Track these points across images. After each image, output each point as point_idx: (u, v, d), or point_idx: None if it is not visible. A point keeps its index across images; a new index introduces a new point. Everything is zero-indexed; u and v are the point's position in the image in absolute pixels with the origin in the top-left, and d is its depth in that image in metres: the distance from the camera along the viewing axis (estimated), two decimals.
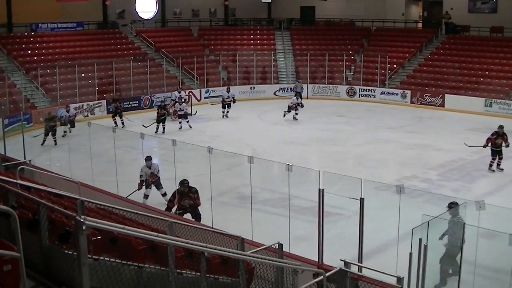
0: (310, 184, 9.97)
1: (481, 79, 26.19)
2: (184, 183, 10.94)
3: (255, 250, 6.73)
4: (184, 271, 5.10)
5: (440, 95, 26.04)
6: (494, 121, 22.36)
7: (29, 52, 25.85)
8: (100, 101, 24.44)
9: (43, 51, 26.28)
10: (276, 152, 17.51)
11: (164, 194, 12.50)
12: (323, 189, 8.00)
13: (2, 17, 25.74)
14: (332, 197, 8.71)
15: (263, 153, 16.92)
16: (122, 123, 21.65)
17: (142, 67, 26.91)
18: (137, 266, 4.57)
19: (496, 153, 15.52)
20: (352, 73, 29.75)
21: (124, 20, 30.26)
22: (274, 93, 29.02)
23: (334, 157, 17.61)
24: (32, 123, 21.23)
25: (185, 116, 21.82)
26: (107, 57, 26.57)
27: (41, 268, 4.50)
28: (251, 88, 28.94)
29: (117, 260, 4.40)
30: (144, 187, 12.66)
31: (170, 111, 22.64)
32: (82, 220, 3.55)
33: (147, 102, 25.75)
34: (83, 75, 25.51)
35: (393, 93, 27.65)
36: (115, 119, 21.74)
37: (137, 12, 31.40)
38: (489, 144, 15.56)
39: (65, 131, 20.10)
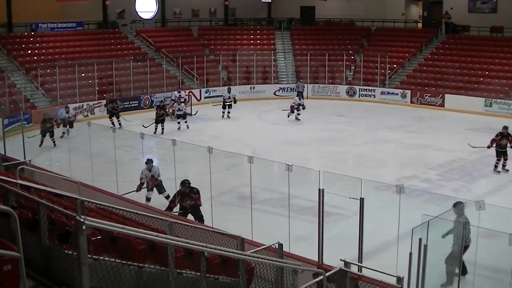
0: (310, 184, 9.97)
1: (481, 79, 26.19)
2: (185, 183, 10.88)
3: (255, 250, 6.73)
4: (184, 271, 5.10)
5: (440, 95, 26.04)
6: (494, 121, 22.40)
7: (29, 52, 25.84)
8: (100, 101, 24.43)
9: (43, 51, 26.27)
10: (276, 152, 17.51)
11: (167, 197, 12.28)
12: (323, 189, 8.00)
13: (2, 17, 25.73)
14: (332, 197, 8.71)
15: (263, 153, 16.92)
16: (119, 123, 21.54)
17: (142, 67, 26.90)
18: (137, 266, 4.57)
19: (501, 154, 15.36)
20: (352, 73, 29.75)
21: (124, 20, 30.25)
22: (274, 93, 29.02)
23: (334, 157, 17.61)
24: (32, 123, 21.21)
25: (183, 116, 21.77)
26: (107, 57, 26.56)
27: (41, 268, 4.50)
28: (251, 88, 28.94)
29: (117, 260, 4.40)
30: (146, 189, 12.57)
31: (169, 111, 22.57)
32: (82, 220, 3.55)
33: (147, 102, 25.75)
34: (83, 75, 25.51)
35: (393, 93, 27.65)
36: (112, 120, 21.68)
37: (137, 12, 31.39)
38: (494, 145, 15.43)
39: (63, 132, 19.93)
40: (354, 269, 6.25)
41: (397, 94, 27.47)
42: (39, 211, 4.50)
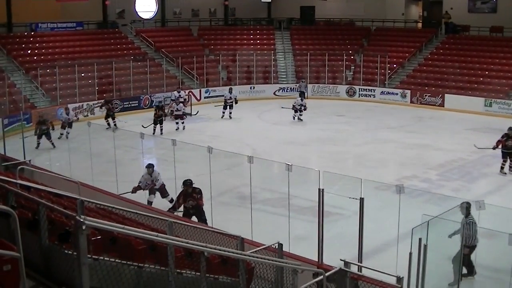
0: (310, 184, 9.97)
1: (481, 79, 26.20)
2: (187, 183, 10.72)
3: (255, 250, 6.72)
4: (184, 271, 5.10)
5: (440, 95, 26.04)
6: (494, 121, 22.43)
7: (29, 52, 25.84)
8: (100, 101, 24.36)
9: (43, 51, 26.27)
10: (276, 152, 17.51)
11: (171, 201, 11.95)
12: (323, 189, 8.00)
13: (2, 17, 25.73)
14: (332, 197, 8.71)
15: (263, 153, 16.92)
16: (115, 124, 21.26)
17: (142, 67, 26.90)
18: (137, 266, 4.57)
19: (507, 155, 15.24)
20: (352, 73, 29.75)
21: (124, 20, 30.26)
22: (274, 93, 29.02)
23: (334, 157, 17.61)
24: (32, 123, 21.14)
25: (181, 116, 21.68)
26: (107, 57, 26.56)
27: (41, 268, 4.50)
28: (251, 88, 28.94)
29: (117, 260, 4.40)
30: (146, 192, 12.45)
31: (168, 111, 22.49)
32: (82, 220, 3.55)
33: (147, 102, 25.74)
34: (83, 75, 25.51)
35: (393, 93, 27.65)
36: (107, 121, 21.60)
37: (137, 12, 31.39)
38: (500, 146, 15.34)
39: (61, 133, 19.74)
40: (354, 269, 6.25)
41: (397, 94, 27.48)
42: (39, 211, 4.50)
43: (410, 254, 6.94)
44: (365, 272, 6.42)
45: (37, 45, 26.60)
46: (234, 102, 23.71)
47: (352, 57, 30.32)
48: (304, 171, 11.40)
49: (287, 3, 34.88)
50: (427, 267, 6.99)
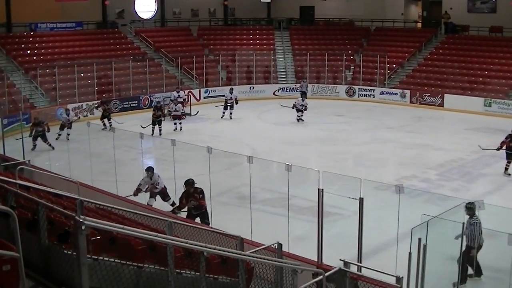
0: (310, 184, 9.98)
1: (481, 79, 26.21)
2: (189, 182, 10.59)
3: (254, 250, 6.71)
4: (184, 271, 5.10)
5: (440, 95, 26.04)
6: (493, 121, 22.46)
7: (29, 52, 25.83)
8: (99, 101, 24.39)
9: (43, 51, 26.27)
10: (275, 152, 17.51)
11: (173, 204, 11.87)
12: (322, 189, 8.00)
13: (2, 16, 25.72)
14: (331, 197, 8.70)
15: (262, 153, 16.92)
16: (110, 125, 21.07)
17: (141, 67, 26.89)
18: (136, 266, 4.57)
19: (511, 156, 15.19)
20: (351, 73, 29.76)
21: (124, 20, 30.26)
22: (274, 93, 29.01)
23: (334, 157, 17.61)
24: (31, 123, 21.14)
25: (179, 117, 21.58)
26: (107, 57, 26.56)
27: (40, 268, 4.50)
28: (250, 88, 28.94)
29: (116, 260, 4.40)
30: (147, 195, 12.39)
31: (165, 111, 22.43)
32: (81, 220, 3.55)
33: (147, 102, 25.73)
34: (82, 75, 25.50)
35: (392, 93, 27.65)
36: (103, 121, 21.56)
37: (136, 12, 31.39)
38: (504, 147, 15.27)
39: (59, 134, 19.59)
40: (353, 269, 6.25)
41: (396, 94, 27.48)
42: (39, 211, 4.50)
43: (410, 254, 6.94)
44: (364, 272, 6.42)
45: (36, 45, 26.59)
46: (234, 103, 23.67)
47: (351, 57, 30.32)
48: (303, 171, 11.41)
49: (287, 3, 34.89)
50: (426, 267, 6.99)
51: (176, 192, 11.66)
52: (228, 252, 5.43)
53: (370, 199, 8.50)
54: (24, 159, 12.92)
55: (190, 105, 24.71)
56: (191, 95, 26.65)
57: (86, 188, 11.23)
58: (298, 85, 28.37)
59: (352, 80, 29.37)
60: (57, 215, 4.83)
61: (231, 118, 23.54)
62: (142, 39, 29.55)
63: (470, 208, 8.64)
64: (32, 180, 9.33)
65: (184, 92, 25.49)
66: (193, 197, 10.58)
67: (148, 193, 12.28)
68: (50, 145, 18.29)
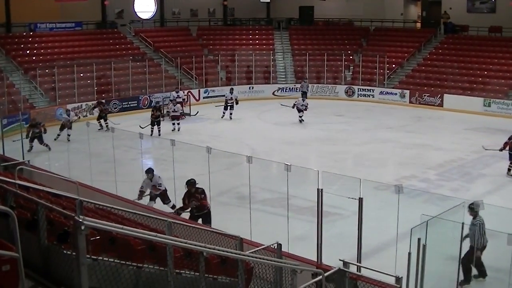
0: (309, 184, 9.98)
1: (480, 79, 26.22)
2: (190, 182, 10.53)
3: (254, 250, 6.71)
4: (183, 271, 5.10)
5: (439, 95, 26.05)
6: (493, 121, 22.47)
7: (28, 52, 25.82)
8: (96, 101, 24.38)
9: (42, 51, 26.26)
10: (275, 152, 17.52)
11: (173, 207, 11.73)
12: (322, 189, 7.99)
13: (1, 16, 25.71)
14: (331, 197, 8.70)
15: (262, 153, 16.92)
16: (107, 125, 21.07)
17: (141, 67, 26.88)
18: (136, 266, 4.57)
19: None
20: (351, 73, 29.76)
21: (123, 20, 30.26)
22: (273, 93, 29.02)
23: (333, 157, 17.61)
24: (28, 125, 21.11)
25: (178, 117, 21.51)
26: (106, 57, 26.55)
27: (40, 268, 4.50)
28: (250, 88, 28.94)
29: (116, 260, 4.40)
30: (149, 198, 12.28)
31: (164, 112, 22.40)
32: (80, 220, 3.55)
33: (146, 102, 25.72)
34: (81, 75, 25.49)
35: (392, 93, 27.66)
36: (100, 122, 21.51)
37: (135, 12, 31.40)
38: (506, 148, 15.23)
39: (58, 134, 19.56)
40: (353, 269, 6.25)
41: (396, 94, 27.48)
42: (38, 211, 4.50)
43: (409, 254, 6.94)
44: (364, 272, 6.42)
45: (36, 45, 26.59)
46: (235, 103, 23.66)
47: (351, 57, 30.33)
48: (303, 171, 11.41)
49: (286, 3, 34.89)
50: (426, 267, 6.99)
51: (175, 192, 11.65)
52: (227, 252, 5.43)
53: (370, 199, 8.50)
54: (23, 159, 12.91)
55: (190, 105, 24.69)
56: (191, 95, 26.64)
57: (86, 188, 11.23)
58: (298, 85, 28.38)
59: (351, 80, 29.37)
60: (56, 215, 4.82)
61: (231, 118, 23.53)
62: (142, 39, 29.54)
63: (473, 209, 8.64)
64: (31, 180, 9.32)
65: (184, 92, 25.50)
66: (194, 197, 10.53)
67: (148, 197, 12.12)
68: (46, 145, 18.13)
